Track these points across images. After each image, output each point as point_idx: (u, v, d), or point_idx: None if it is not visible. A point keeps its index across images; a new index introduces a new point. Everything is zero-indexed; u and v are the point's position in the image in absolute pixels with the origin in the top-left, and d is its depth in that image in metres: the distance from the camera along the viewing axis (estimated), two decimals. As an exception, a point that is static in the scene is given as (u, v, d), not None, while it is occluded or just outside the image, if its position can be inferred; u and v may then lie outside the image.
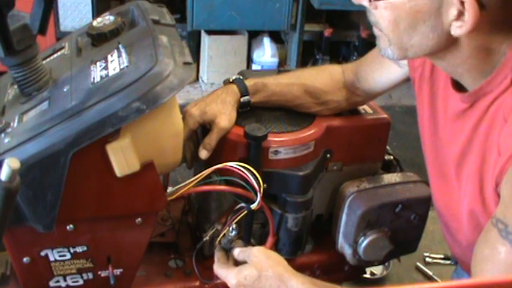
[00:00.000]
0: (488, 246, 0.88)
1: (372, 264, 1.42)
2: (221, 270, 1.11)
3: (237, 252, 1.13)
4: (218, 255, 1.15)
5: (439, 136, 1.14)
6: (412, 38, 0.94)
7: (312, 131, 1.23)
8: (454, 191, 1.10)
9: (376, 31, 1.00)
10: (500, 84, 0.93)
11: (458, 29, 0.89)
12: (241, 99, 1.22)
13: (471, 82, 0.99)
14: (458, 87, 1.03)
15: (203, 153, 1.16)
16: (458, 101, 1.03)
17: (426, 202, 1.27)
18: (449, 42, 0.93)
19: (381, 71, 1.27)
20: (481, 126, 0.98)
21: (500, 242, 0.86)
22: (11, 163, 0.73)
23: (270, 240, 1.25)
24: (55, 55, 1.14)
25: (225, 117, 1.16)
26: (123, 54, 1.00)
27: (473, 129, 0.99)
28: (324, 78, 1.30)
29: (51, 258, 1.05)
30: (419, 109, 1.20)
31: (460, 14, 0.88)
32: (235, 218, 1.18)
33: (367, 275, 2.12)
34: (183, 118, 1.14)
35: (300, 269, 1.09)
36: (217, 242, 1.19)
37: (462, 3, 0.86)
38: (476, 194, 0.99)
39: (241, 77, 1.26)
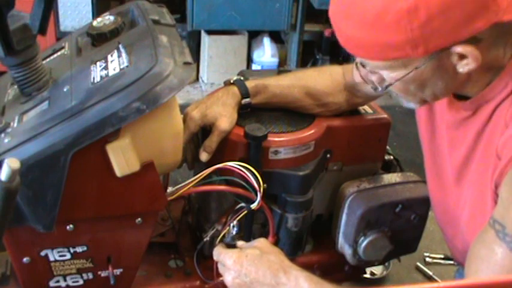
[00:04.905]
0: (485, 247, 0.89)
1: (372, 264, 1.42)
2: (222, 249, 1.09)
3: (241, 243, 1.13)
4: (219, 245, 1.14)
5: (436, 142, 1.14)
6: (424, 92, 0.98)
7: (312, 131, 1.23)
8: (451, 197, 1.10)
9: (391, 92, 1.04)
10: (502, 92, 0.94)
11: (466, 67, 0.90)
12: (242, 101, 1.21)
13: (473, 91, 0.99)
14: (458, 95, 1.03)
15: (204, 156, 1.16)
16: (460, 109, 1.03)
17: (426, 202, 1.27)
18: (460, 78, 0.94)
19: None
20: (485, 133, 0.98)
21: (497, 243, 0.86)
22: (11, 163, 0.73)
23: (270, 240, 1.25)
24: (55, 55, 1.14)
25: (225, 119, 1.16)
26: (123, 54, 1.00)
27: (477, 136, 1.00)
28: (325, 80, 1.30)
29: (51, 258, 1.05)
30: (418, 116, 1.20)
31: (462, 56, 0.89)
32: (235, 218, 1.18)
33: (367, 275, 2.12)
34: (184, 120, 1.14)
35: (300, 269, 1.09)
36: (217, 242, 1.19)
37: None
38: (478, 200, 0.99)
39: (241, 78, 1.25)
